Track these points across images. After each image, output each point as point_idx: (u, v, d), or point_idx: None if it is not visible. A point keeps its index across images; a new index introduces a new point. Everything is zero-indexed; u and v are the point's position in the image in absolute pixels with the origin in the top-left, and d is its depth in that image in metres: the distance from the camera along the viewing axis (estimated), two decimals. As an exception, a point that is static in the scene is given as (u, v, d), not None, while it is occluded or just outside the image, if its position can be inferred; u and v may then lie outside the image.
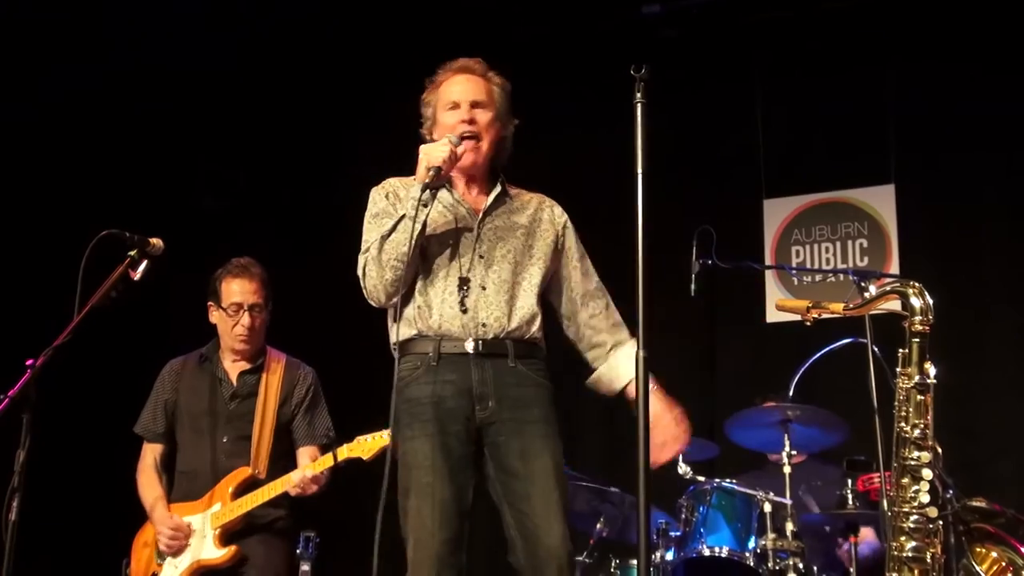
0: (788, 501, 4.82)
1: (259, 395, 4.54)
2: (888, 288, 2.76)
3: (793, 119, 6.70)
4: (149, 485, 4.60)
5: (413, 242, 3.38)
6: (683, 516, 5.00)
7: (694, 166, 6.74)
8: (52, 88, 6.58)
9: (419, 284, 3.55)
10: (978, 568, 2.50)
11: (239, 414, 4.54)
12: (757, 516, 4.86)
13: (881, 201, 6.57)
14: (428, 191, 3.40)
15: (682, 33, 6.64)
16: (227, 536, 4.41)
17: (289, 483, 4.32)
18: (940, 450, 2.70)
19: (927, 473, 2.67)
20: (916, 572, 2.66)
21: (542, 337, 3.64)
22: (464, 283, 3.53)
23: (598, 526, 5.29)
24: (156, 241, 3.72)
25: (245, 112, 7.29)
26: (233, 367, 4.63)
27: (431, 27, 6.66)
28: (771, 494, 4.83)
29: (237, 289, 4.57)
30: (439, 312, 3.50)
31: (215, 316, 4.64)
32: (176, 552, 4.43)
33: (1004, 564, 2.50)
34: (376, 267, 3.47)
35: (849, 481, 4.97)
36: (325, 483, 4.38)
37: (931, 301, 2.74)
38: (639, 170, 3.16)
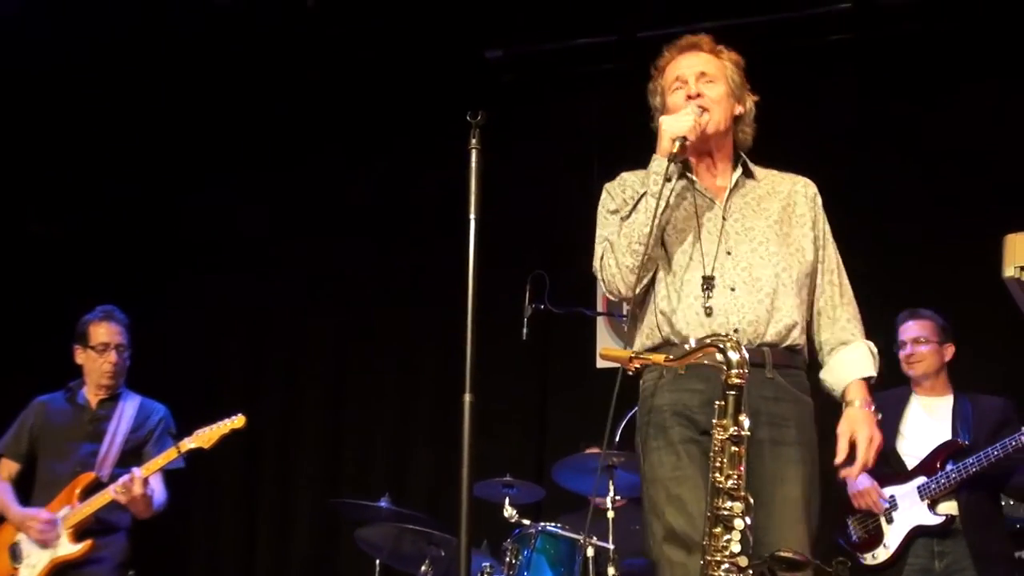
0: (611, 546, 4.88)
1: (113, 418, 4.99)
2: (708, 341, 2.83)
3: (628, 168, 6.82)
4: (2, 494, 4.96)
5: (656, 221, 3.12)
6: (507, 559, 5.00)
7: (530, 211, 6.80)
8: None
9: (660, 285, 3.23)
10: (784, 616, 2.58)
11: (95, 432, 4.97)
12: (581, 561, 4.90)
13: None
14: (673, 164, 3.13)
15: (522, 78, 6.73)
16: (79, 534, 4.78)
17: (116, 487, 4.68)
18: (752, 500, 2.78)
19: (739, 523, 2.73)
20: (726, 620, 2.72)
21: (805, 343, 3.27)
22: (708, 282, 3.16)
23: (423, 568, 5.26)
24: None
25: (76, 133, 7.09)
26: (94, 398, 5.06)
27: (277, 53, 6.63)
28: (594, 538, 4.88)
29: (104, 331, 5.03)
30: (684, 316, 3.16)
31: (81, 357, 5.07)
32: (44, 544, 4.78)
33: (809, 613, 2.58)
34: (615, 253, 3.20)
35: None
36: (145, 497, 4.69)
37: (747, 355, 2.82)
38: (472, 215, 3.20)
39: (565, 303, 5.24)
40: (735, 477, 2.76)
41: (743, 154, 3.38)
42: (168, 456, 4.77)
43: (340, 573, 6.86)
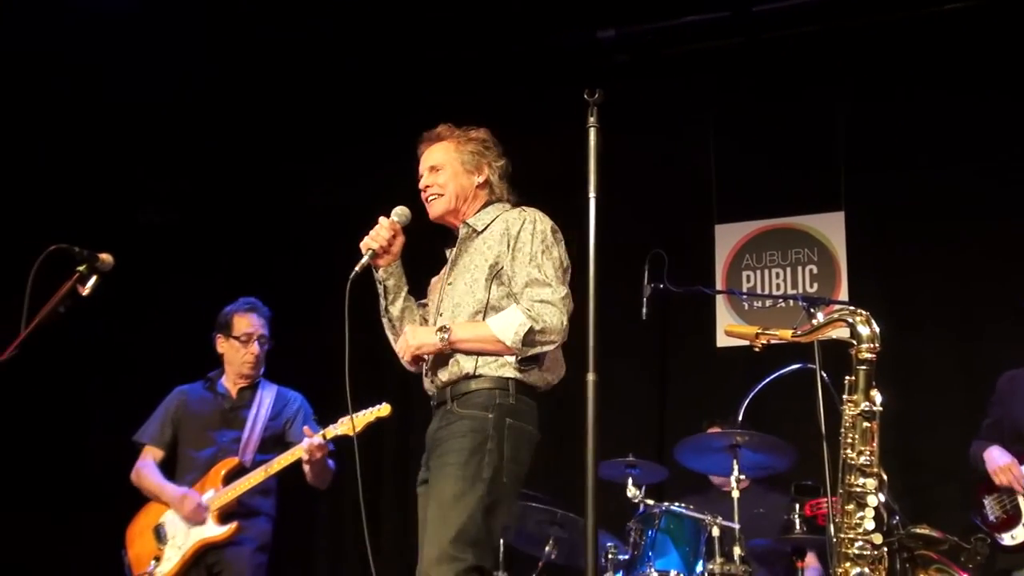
0: (736, 525, 4.83)
1: (252, 407, 5.15)
2: (836, 316, 2.78)
3: (745, 145, 6.75)
4: (154, 476, 5.12)
5: (387, 315, 3.82)
6: (632, 539, 4.99)
7: (647, 191, 6.76)
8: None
9: None
10: (922, 595, 2.53)
11: (236, 419, 5.14)
12: (705, 540, 4.86)
13: (831, 227, 6.63)
14: (379, 271, 3.75)
15: (635, 58, 6.67)
16: (223, 516, 4.93)
17: (292, 456, 4.82)
18: (885, 477, 2.73)
19: (872, 500, 2.69)
20: (860, 598, 2.68)
21: (488, 366, 3.55)
22: None
23: (547, 549, 5.28)
24: (106, 256, 3.71)
25: (189, 127, 7.23)
26: (234, 387, 5.24)
27: (385, 46, 6.66)
28: (720, 518, 4.84)
29: (248, 322, 5.19)
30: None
31: (223, 346, 5.24)
32: (193, 524, 4.92)
33: (947, 591, 2.53)
34: None
35: (797, 506, 5.00)
36: (324, 464, 4.86)
37: (878, 329, 2.76)
38: (591, 194, 3.18)
39: (684, 282, 5.19)
40: (867, 453, 2.72)
41: (490, 207, 3.78)
42: (314, 442, 4.76)
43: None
